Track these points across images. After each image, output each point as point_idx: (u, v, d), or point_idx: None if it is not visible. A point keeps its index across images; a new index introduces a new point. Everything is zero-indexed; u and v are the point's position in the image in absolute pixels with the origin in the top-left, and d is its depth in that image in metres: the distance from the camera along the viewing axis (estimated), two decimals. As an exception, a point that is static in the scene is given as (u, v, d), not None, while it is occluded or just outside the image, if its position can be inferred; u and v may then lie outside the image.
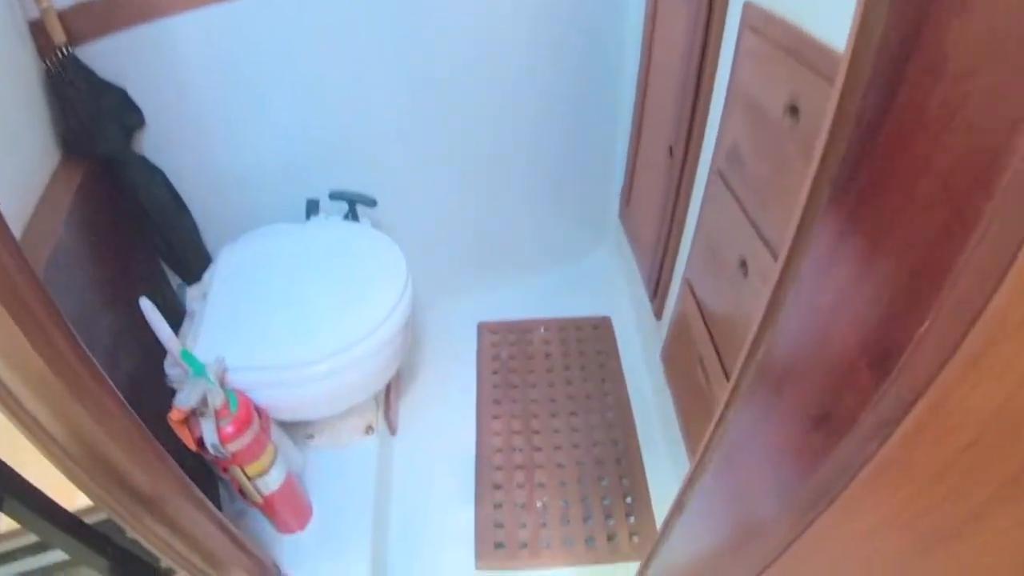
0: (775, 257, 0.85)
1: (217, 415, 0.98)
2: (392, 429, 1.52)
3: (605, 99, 1.64)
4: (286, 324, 1.15)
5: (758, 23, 0.87)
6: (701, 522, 0.66)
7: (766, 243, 0.87)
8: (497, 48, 1.44)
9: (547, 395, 1.60)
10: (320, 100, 1.39)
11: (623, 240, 1.79)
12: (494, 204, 1.74)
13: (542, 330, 1.77)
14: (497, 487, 1.42)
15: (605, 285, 1.90)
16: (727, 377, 1.02)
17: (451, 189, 1.65)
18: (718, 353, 1.06)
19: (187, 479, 0.91)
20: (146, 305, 1.01)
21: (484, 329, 1.79)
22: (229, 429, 0.98)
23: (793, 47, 0.77)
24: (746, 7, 0.90)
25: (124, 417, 0.79)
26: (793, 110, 0.77)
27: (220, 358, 1.05)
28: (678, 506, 0.70)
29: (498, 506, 1.39)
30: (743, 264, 0.94)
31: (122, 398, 0.78)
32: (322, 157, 1.46)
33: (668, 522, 0.76)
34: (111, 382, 0.76)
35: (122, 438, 0.79)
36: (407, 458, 1.50)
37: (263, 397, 1.11)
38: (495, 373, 1.66)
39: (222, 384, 1.03)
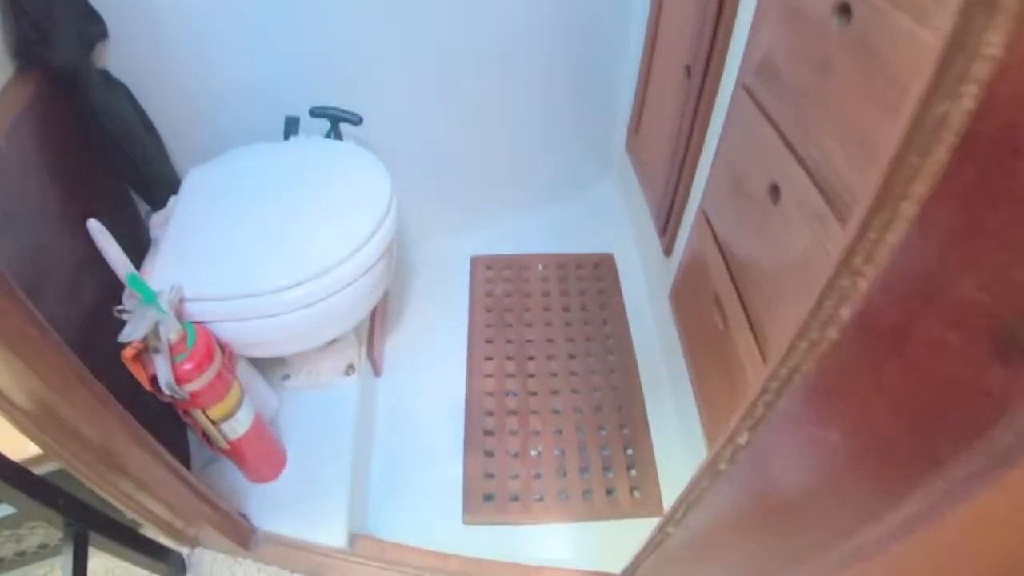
0: (814, 179, 0.72)
1: (172, 350, 0.86)
2: (376, 369, 1.41)
3: (613, 18, 1.48)
4: (254, 248, 1.02)
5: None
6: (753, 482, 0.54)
7: (804, 164, 0.74)
8: None
9: (544, 335, 1.49)
10: (301, 3, 1.23)
11: (629, 173, 1.64)
12: (491, 130, 1.59)
13: (540, 266, 1.64)
14: (488, 433, 1.32)
15: (608, 221, 1.76)
16: (747, 316, 0.91)
17: (445, 111, 1.50)
18: (738, 290, 0.94)
19: (139, 427, 0.80)
20: (94, 226, 0.87)
21: (478, 263, 1.67)
22: (187, 367, 0.86)
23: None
24: None
25: (65, 365, 0.67)
26: (844, 9, 0.64)
27: (176, 285, 0.92)
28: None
29: (489, 454, 1.29)
30: (774, 189, 0.81)
31: (61, 345, 0.67)
32: (303, 69, 1.31)
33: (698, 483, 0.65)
34: (52, 330, 0.65)
35: (64, 386, 0.68)
36: (391, 401, 1.39)
37: (227, 330, 0.98)
38: (488, 311, 1.55)
39: (179, 316, 0.90)
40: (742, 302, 0.93)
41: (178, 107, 1.28)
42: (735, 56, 0.95)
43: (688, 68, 1.13)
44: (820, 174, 0.71)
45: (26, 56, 1.03)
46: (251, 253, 1.01)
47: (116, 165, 1.21)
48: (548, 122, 1.64)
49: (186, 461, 1.14)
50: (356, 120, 1.29)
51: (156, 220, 1.16)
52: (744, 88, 0.90)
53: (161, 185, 1.26)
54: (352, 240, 1.02)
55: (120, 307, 0.86)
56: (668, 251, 1.35)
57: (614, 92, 1.63)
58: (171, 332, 0.85)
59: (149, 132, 1.24)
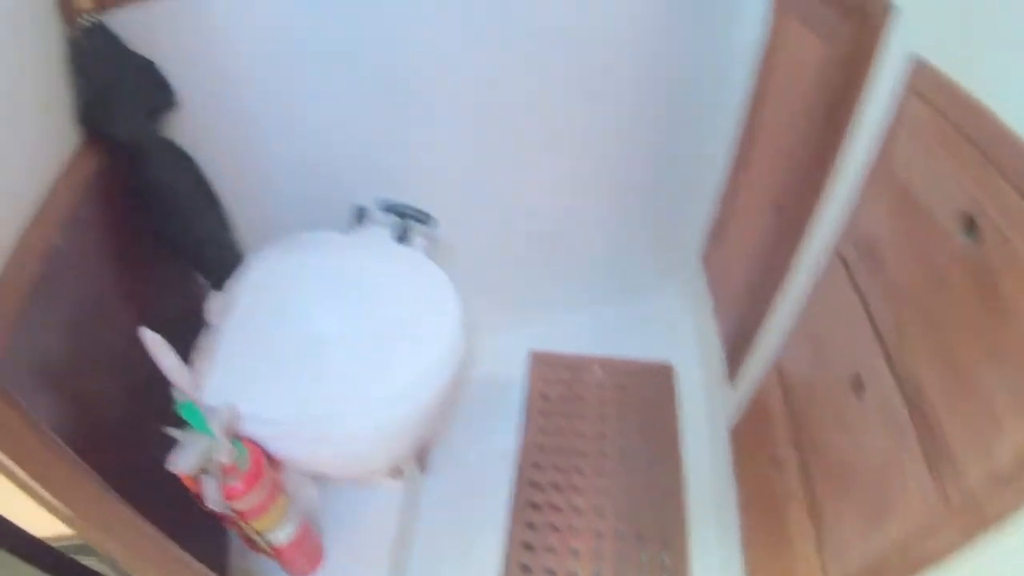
0: (901, 387, 0.68)
1: (222, 472, 0.86)
2: (422, 467, 1.40)
3: (700, 124, 1.45)
4: (313, 369, 0.98)
5: (929, 89, 0.69)
6: None
7: (892, 367, 0.70)
8: (584, 52, 1.27)
9: (596, 447, 1.45)
10: (378, 93, 1.24)
11: (700, 283, 1.61)
12: (560, 223, 1.58)
13: (598, 370, 1.61)
14: (528, 547, 1.28)
15: (671, 327, 1.72)
16: (808, 495, 0.86)
17: (514, 202, 1.49)
18: (802, 463, 0.89)
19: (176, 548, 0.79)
20: (148, 337, 0.86)
21: (537, 360, 1.65)
22: (237, 487, 0.86)
23: (980, 136, 0.59)
24: (914, 64, 0.71)
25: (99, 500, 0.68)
26: (970, 224, 0.58)
27: (231, 405, 0.89)
28: None
29: (525, 569, 1.25)
30: (857, 380, 0.77)
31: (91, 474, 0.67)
32: (375, 158, 1.32)
33: None
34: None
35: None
36: (434, 501, 1.37)
37: (280, 448, 0.96)
38: (543, 415, 1.52)
39: (231, 434, 0.88)
40: (805, 478, 0.88)
41: (246, 182, 1.27)
42: (833, 215, 0.91)
43: (780, 206, 1.10)
44: (908, 383, 0.67)
45: (90, 124, 1.02)
46: (311, 374, 0.98)
47: (177, 240, 1.18)
48: (620, 218, 1.62)
49: (224, 550, 1.14)
50: (425, 220, 1.28)
51: (214, 304, 1.15)
52: (840, 257, 0.86)
53: (222, 263, 1.24)
54: (422, 373, 0.98)
55: (168, 428, 0.85)
56: (732, 376, 1.30)
57: (694, 197, 1.59)
58: (222, 455, 0.84)
59: (213, 207, 1.22)
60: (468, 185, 1.43)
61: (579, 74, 1.30)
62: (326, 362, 1.00)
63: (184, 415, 0.85)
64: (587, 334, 1.72)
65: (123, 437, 0.88)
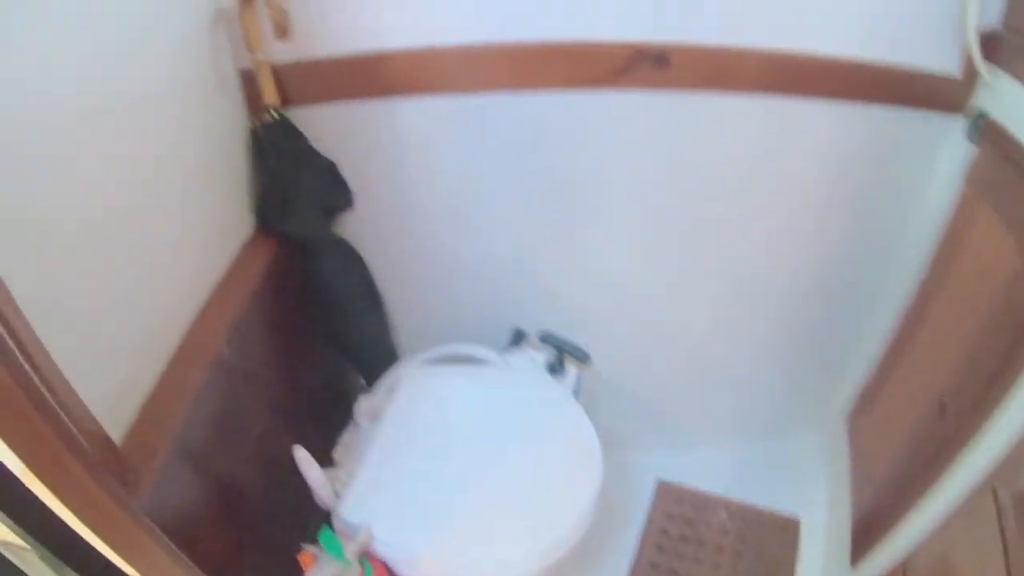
0: None
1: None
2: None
3: (867, 281, 1.40)
4: (452, 503, 1.03)
5: None
6: None
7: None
8: (765, 198, 1.27)
9: (708, 600, 1.42)
10: (551, 219, 1.28)
11: (841, 442, 1.54)
12: (711, 352, 1.55)
13: (723, 513, 1.58)
14: None
15: (804, 480, 1.63)
16: None
17: (669, 326, 1.49)
18: None
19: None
20: (301, 455, 0.94)
21: (664, 491, 1.60)
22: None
23: None
24: None
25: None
26: None
27: (367, 528, 0.94)
28: None
29: None
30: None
31: None
32: (538, 286, 1.36)
33: None
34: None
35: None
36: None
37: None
38: (659, 551, 1.50)
39: (363, 554, 0.93)
40: None
41: (410, 286, 1.34)
42: (1000, 438, 0.84)
43: (943, 405, 1.06)
44: None
45: (265, 218, 1.07)
46: (449, 508, 1.02)
47: (337, 336, 1.23)
48: (772, 356, 1.58)
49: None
50: (582, 357, 1.31)
51: (363, 406, 1.20)
52: (993, 492, 0.81)
53: (378, 362, 1.28)
54: (558, 530, 1.01)
55: (306, 547, 0.90)
56: (854, 563, 1.24)
57: (849, 351, 1.52)
58: (352, 576, 0.87)
59: (376, 307, 1.28)
60: (626, 310, 1.44)
61: (757, 212, 1.30)
62: (465, 497, 1.04)
63: (323, 542, 0.91)
64: (717, 469, 1.66)
65: (266, 538, 0.95)
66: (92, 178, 0.74)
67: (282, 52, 1.08)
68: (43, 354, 0.57)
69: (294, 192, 1.08)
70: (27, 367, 0.52)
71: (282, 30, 1.03)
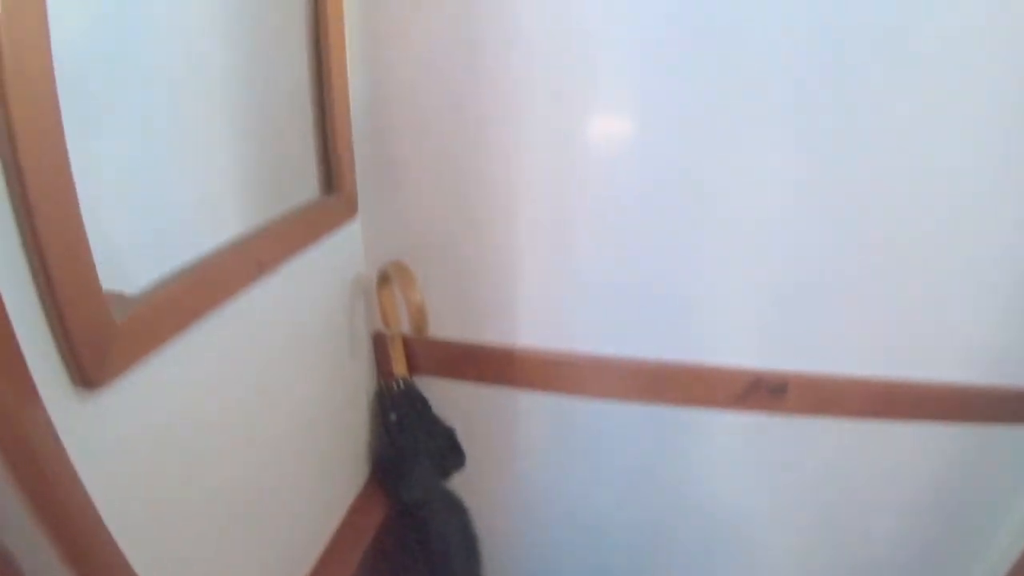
0: None
1: None
2: None
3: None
4: None
5: None
6: None
7: None
8: (859, 515, 1.26)
9: None
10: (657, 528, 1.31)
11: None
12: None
13: None
14: None
15: None
16: None
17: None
18: None
19: None
20: None
21: None
22: None
23: None
24: None
25: None
26: None
27: None
28: None
29: None
30: None
31: None
32: (631, 556, 1.36)
33: None
34: None
35: None
36: None
37: None
38: None
39: None
40: None
41: (508, 541, 1.35)
42: None
43: None
44: None
45: (382, 478, 1.11)
46: None
47: None
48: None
49: None
50: None
51: None
52: None
53: None
54: None
55: None
56: None
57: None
58: None
59: (471, 559, 1.27)
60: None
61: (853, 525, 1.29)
62: None
63: None
64: None
65: None
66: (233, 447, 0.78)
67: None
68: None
69: (412, 454, 1.12)
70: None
71: (419, 329, 1.06)
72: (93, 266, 0.56)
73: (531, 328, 1.16)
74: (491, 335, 1.17)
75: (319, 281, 1.03)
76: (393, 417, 1.15)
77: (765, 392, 1.14)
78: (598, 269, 1.11)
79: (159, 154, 0.71)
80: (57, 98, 0.50)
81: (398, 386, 1.16)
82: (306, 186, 1.05)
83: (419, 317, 1.04)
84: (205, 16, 0.76)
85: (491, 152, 1.06)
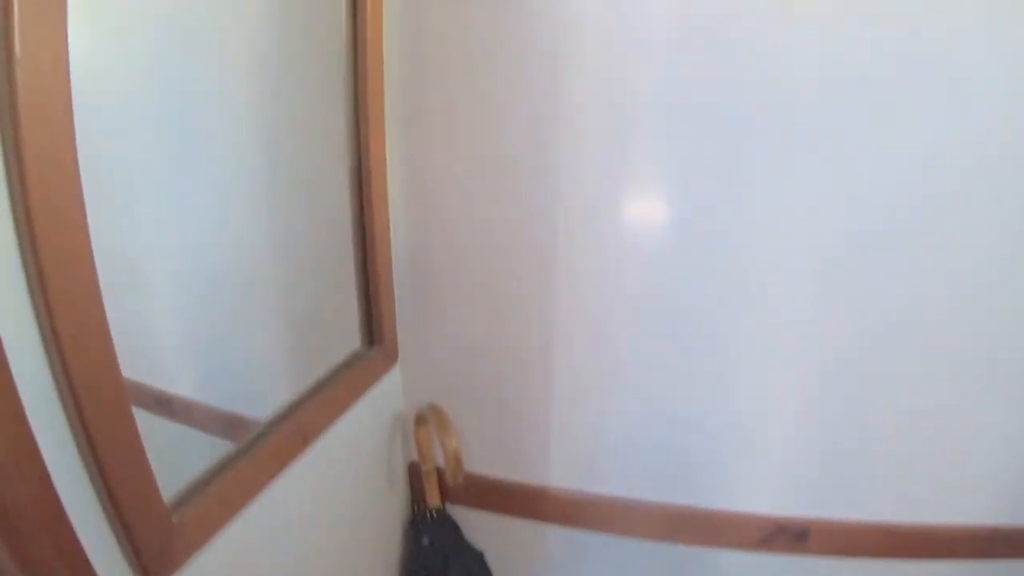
0: None
1: None
2: None
3: None
4: None
5: None
6: None
7: None
8: None
9: None
10: None
11: None
12: None
13: None
14: None
15: None
16: None
17: None
18: None
19: None
20: None
21: None
22: None
23: None
24: None
25: None
26: None
27: None
28: None
29: None
30: None
31: None
32: None
33: None
34: None
35: None
36: None
37: None
38: None
39: None
40: None
41: None
42: None
43: None
44: None
45: None
46: None
47: None
48: None
49: None
50: None
51: None
52: None
53: None
54: None
55: None
56: None
57: None
58: None
59: None
60: None
61: None
62: None
63: None
64: None
65: None
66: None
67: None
68: None
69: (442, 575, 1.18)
70: None
71: (454, 477, 1.11)
72: (153, 480, 0.63)
73: (561, 470, 1.21)
74: (522, 475, 1.22)
75: (361, 433, 1.09)
76: (425, 541, 1.20)
77: (787, 538, 1.17)
78: (630, 423, 1.16)
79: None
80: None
81: (431, 516, 1.22)
82: (349, 339, 1.11)
83: (455, 465, 1.09)
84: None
85: (527, 300, 1.12)
